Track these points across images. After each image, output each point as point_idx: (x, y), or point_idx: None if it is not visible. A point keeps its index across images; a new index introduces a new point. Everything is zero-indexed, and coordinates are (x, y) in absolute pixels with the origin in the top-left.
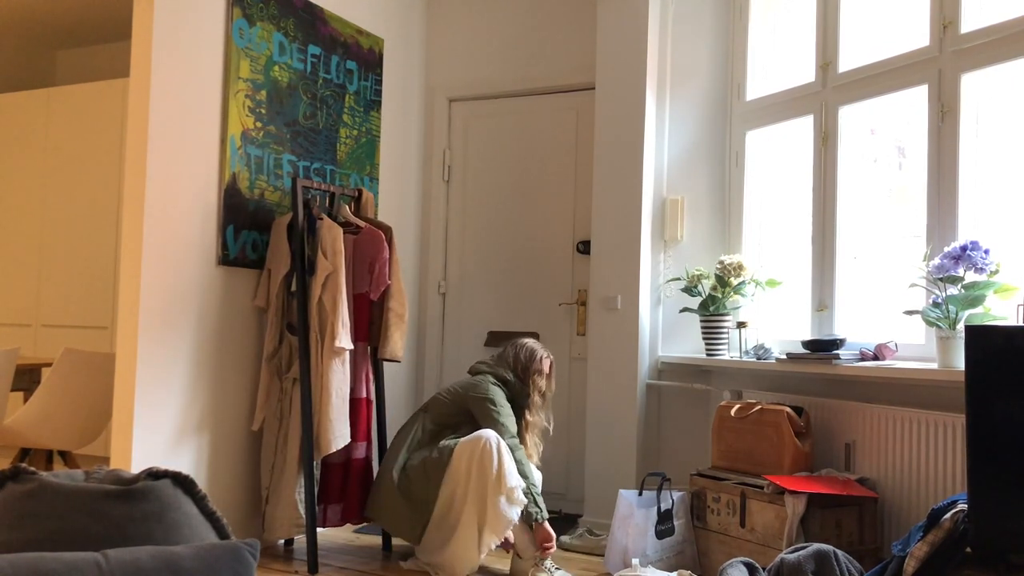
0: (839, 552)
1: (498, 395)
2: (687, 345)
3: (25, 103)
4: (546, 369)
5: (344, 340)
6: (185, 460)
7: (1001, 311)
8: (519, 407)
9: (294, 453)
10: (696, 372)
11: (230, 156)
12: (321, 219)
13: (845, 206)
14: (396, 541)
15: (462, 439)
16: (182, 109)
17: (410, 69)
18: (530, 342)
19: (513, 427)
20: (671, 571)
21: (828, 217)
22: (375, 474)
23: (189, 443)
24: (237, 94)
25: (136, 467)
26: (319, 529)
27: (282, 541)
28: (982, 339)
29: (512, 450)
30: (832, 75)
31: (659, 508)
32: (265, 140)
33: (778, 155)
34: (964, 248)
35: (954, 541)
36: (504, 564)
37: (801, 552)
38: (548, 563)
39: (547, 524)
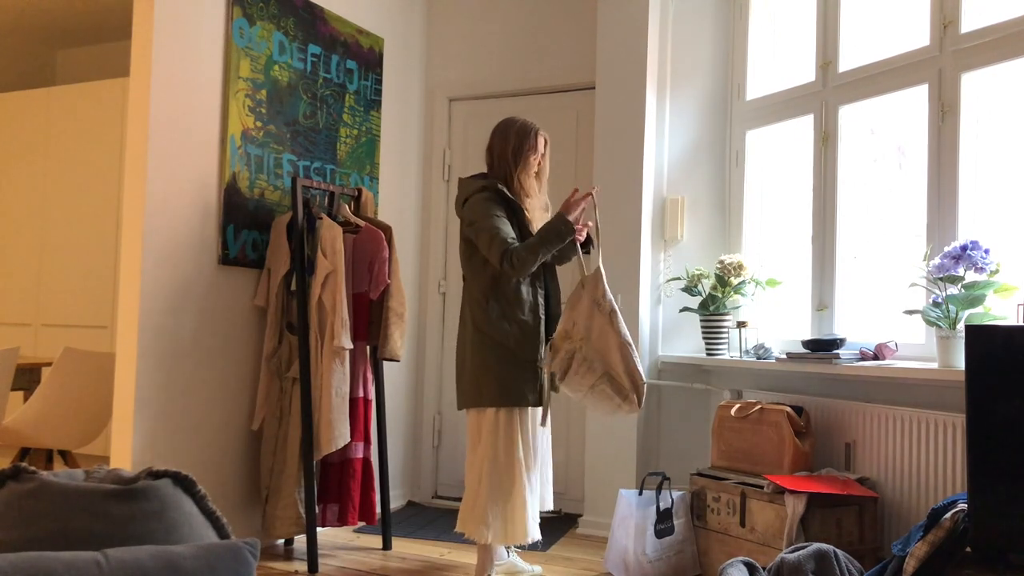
0: (839, 552)
1: (481, 206)
2: (687, 345)
3: (25, 103)
4: (541, 148)
5: (344, 339)
6: (185, 460)
7: (1001, 311)
8: (519, 215)
9: (294, 452)
10: (696, 372)
11: (230, 155)
12: (321, 218)
13: (845, 206)
14: (396, 541)
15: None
16: (182, 109)
17: (410, 69)
18: (515, 119)
19: (507, 229)
20: (671, 571)
21: (828, 217)
22: (374, 474)
23: (189, 443)
24: (237, 94)
25: (136, 467)
26: (319, 529)
27: (282, 541)
28: (982, 339)
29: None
30: (832, 75)
31: (658, 507)
32: (265, 140)
33: (778, 155)
34: (964, 248)
35: (954, 541)
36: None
37: (801, 552)
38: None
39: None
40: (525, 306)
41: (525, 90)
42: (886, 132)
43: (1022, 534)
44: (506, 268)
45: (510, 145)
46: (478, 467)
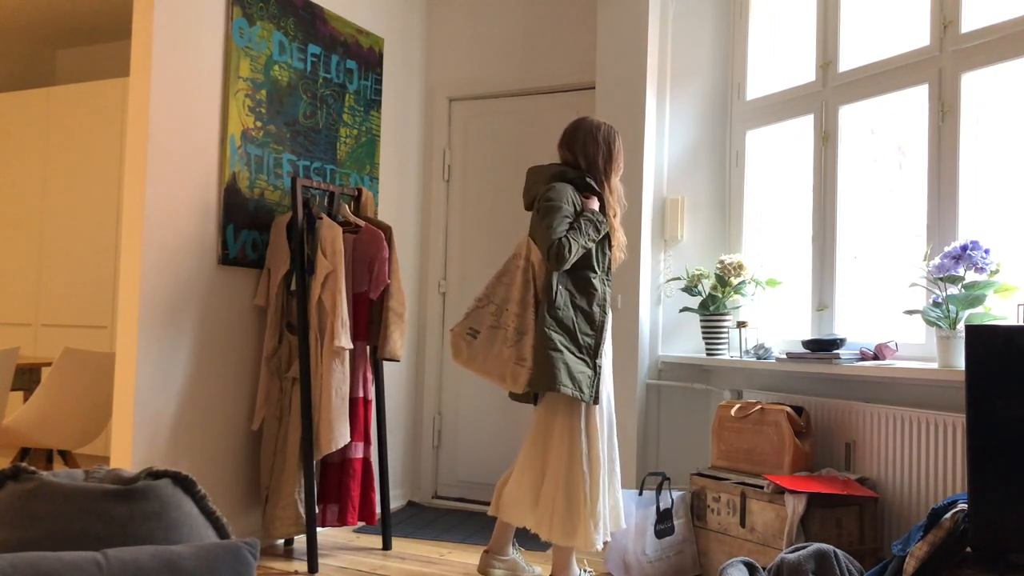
0: (839, 552)
1: (565, 194)
2: (687, 345)
3: (25, 103)
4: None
5: (344, 339)
6: (185, 460)
7: (1001, 311)
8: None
9: (294, 452)
10: (696, 372)
11: (230, 155)
12: (321, 218)
13: (845, 206)
14: (396, 541)
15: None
16: (182, 109)
17: (410, 69)
18: (595, 121)
19: (565, 225)
20: (672, 571)
21: (828, 217)
22: (374, 474)
23: (189, 443)
24: (237, 93)
25: (136, 467)
26: (319, 529)
27: (282, 541)
28: (982, 339)
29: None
30: (832, 75)
31: (658, 508)
32: (265, 139)
33: (778, 155)
34: (964, 248)
35: (954, 541)
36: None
37: (801, 552)
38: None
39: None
40: (594, 298)
41: (525, 90)
42: (886, 132)
43: (1022, 534)
44: (552, 257)
45: (601, 150)
46: (549, 463)
